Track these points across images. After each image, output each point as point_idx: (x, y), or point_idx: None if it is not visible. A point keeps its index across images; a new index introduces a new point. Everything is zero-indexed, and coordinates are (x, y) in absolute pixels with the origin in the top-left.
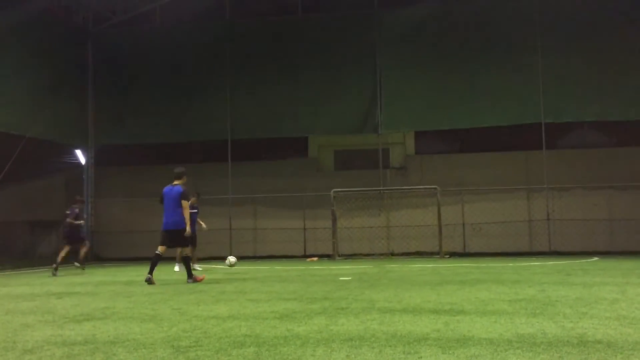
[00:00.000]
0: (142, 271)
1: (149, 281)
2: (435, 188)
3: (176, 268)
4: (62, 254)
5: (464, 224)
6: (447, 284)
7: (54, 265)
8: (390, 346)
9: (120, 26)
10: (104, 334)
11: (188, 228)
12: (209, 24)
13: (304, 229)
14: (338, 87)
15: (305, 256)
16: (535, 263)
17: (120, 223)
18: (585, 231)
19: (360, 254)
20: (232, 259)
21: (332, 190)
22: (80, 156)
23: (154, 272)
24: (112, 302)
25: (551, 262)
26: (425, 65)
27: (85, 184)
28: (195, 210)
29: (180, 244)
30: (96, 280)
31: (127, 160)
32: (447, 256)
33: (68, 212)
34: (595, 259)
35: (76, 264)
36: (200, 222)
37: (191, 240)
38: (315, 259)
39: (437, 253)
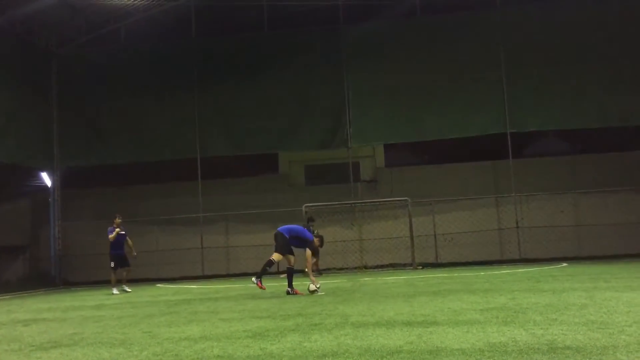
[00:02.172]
0: (111, 295)
1: (288, 293)
2: (406, 200)
3: (115, 291)
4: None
5: (435, 235)
6: (420, 295)
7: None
8: None
9: (84, 46)
10: None
11: (313, 283)
12: (175, 41)
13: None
14: (306, 102)
15: (279, 273)
16: (505, 271)
17: (89, 246)
18: (554, 238)
19: (334, 268)
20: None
21: (303, 205)
22: (47, 179)
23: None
24: (81, 328)
25: (521, 270)
26: (392, 79)
27: (52, 207)
28: (123, 232)
29: (275, 248)
30: (64, 306)
31: (94, 182)
32: (420, 267)
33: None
34: (564, 265)
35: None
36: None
37: (119, 262)
38: None
39: (410, 264)
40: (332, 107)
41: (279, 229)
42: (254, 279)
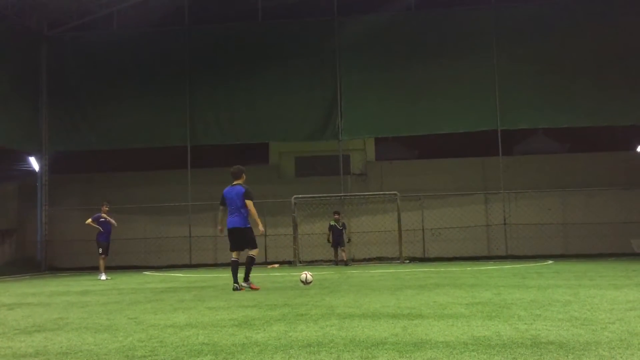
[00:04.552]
0: (97, 280)
1: (237, 289)
2: (395, 194)
3: (102, 277)
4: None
5: (423, 229)
6: (406, 288)
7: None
8: (348, 351)
9: (76, 31)
10: (56, 345)
11: (260, 227)
12: (168, 29)
13: (265, 235)
14: (298, 93)
15: (266, 263)
16: (492, 267)
17: (75, 232)
18: (541, 235)
19: (322, 260)
20: (309, 276)
21: (292, 197)
22: (34, 163)
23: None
24: (66, 313)
25: (508, 266)
26: (385, 72)
27: (39, 192)
28: (110, 219)
29: (248, 245)
30: (50, 291)
31: (82, 167)
32: (407, 261)
33: (332, 223)
34: (550, 262)
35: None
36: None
37: (106, 249)
38: (276, 265)
39: (398, 258)
40: (324, 98)
41: (232, 226)
42: (244, 283)
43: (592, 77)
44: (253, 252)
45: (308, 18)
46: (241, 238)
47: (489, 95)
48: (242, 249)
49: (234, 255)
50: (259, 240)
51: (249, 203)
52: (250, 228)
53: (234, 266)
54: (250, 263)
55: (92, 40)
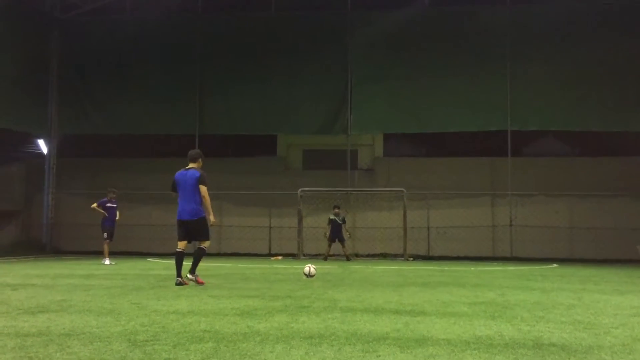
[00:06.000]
0: (101, 265)
1: (181, 283)
2: (401, 191)
3: (106, 262)
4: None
5: (428, 228)
6: (409, 285)
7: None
8: (349, 344)
9: (88, 15)
10: (58, 326)
11: (212, 217)
12: (181, 16)
13: (270, 227)
14: (309, 86)
15: (270, 254)
16: (496, 268)
17: (81, 215)
18: (546, 238)
19: (323, 254)
20: (312, 269)
21: (299, 190)
22: (43, 146)
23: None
24: (69, 295)
25: (512, 267)
26: (396, 69)
27: (47, 175)
28: (115, 206)
29: (201, 237)
30: (54, 273)
31: (90, 151)
32: (411, 259)
33: (332, 217)
34: (555, 265)
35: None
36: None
37: (111, 234)
38: (280, 257)
39: (402, 255)
40: (334, 93)
41: (184, 216)
42: (189, 276)
43: (606, 81)
44: (205, 244)
45: (321, 11)
46: (194, 229)
47: (500, 95)
48: (192, 241)
49: (180, 245)
50: (265, 233)
51: (203, 188)
52: (204, 217)
53: (179, 258)
54: (200, 255)
55: (104, 25)
